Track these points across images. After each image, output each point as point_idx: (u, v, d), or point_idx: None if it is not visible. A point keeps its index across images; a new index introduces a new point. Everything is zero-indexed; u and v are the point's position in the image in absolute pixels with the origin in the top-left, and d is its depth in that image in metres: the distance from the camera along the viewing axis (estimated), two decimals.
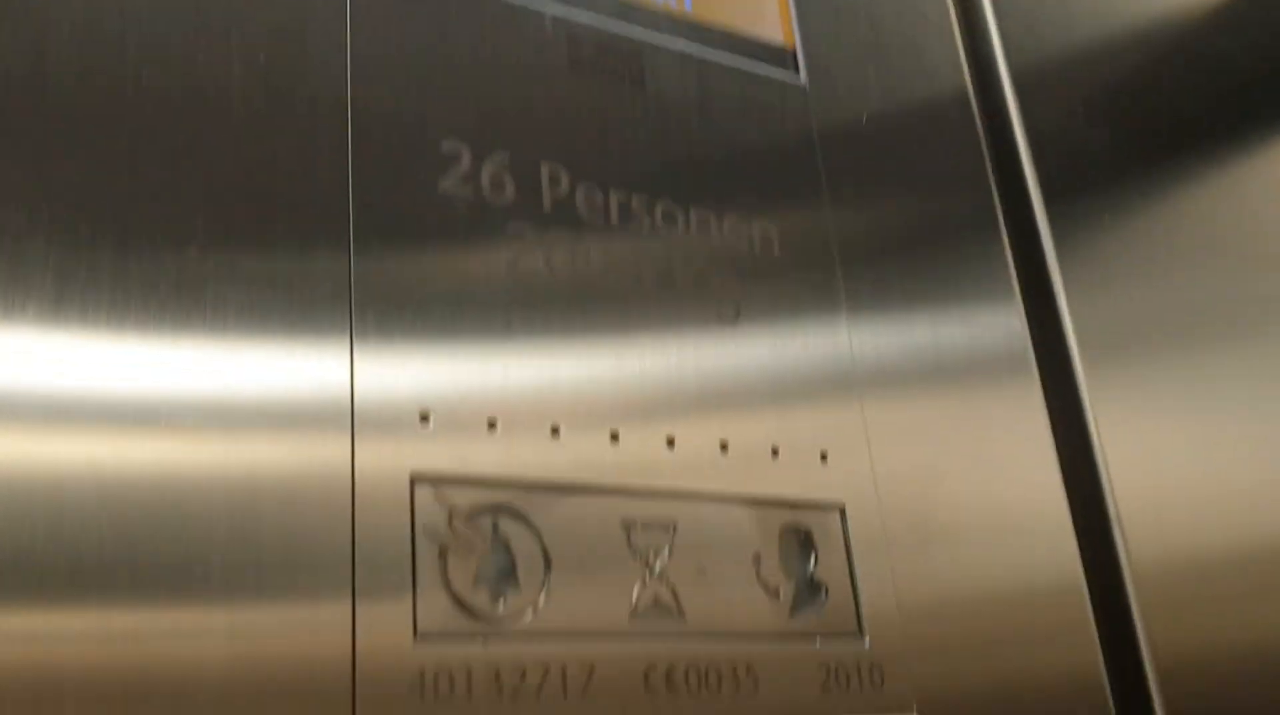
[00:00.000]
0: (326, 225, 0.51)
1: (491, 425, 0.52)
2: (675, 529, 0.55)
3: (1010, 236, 0.73)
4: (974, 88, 0.77)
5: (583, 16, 0.62)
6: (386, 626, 0.47)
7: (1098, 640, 0.64)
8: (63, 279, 0.46)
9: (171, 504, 0.45)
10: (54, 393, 0.44)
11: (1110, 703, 0.63)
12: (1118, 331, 0.74)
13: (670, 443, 0.56)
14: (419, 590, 0.48)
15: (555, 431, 0.54)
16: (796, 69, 0.69)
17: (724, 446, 0.58)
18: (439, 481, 0.51)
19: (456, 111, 0.56)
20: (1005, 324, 0.70)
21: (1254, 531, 0.73)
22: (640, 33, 0.64)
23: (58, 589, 0.41)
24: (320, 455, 0.48)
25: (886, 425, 0.63)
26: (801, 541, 0.58)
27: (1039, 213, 0.75)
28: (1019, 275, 0.72)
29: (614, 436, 0.55)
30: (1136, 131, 0.84)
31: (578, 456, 0.54)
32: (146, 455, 0.45)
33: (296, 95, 0.53)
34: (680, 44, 0.65)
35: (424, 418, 0.51)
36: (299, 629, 0.45)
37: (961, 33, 0.79)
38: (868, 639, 0.57)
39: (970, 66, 0.79)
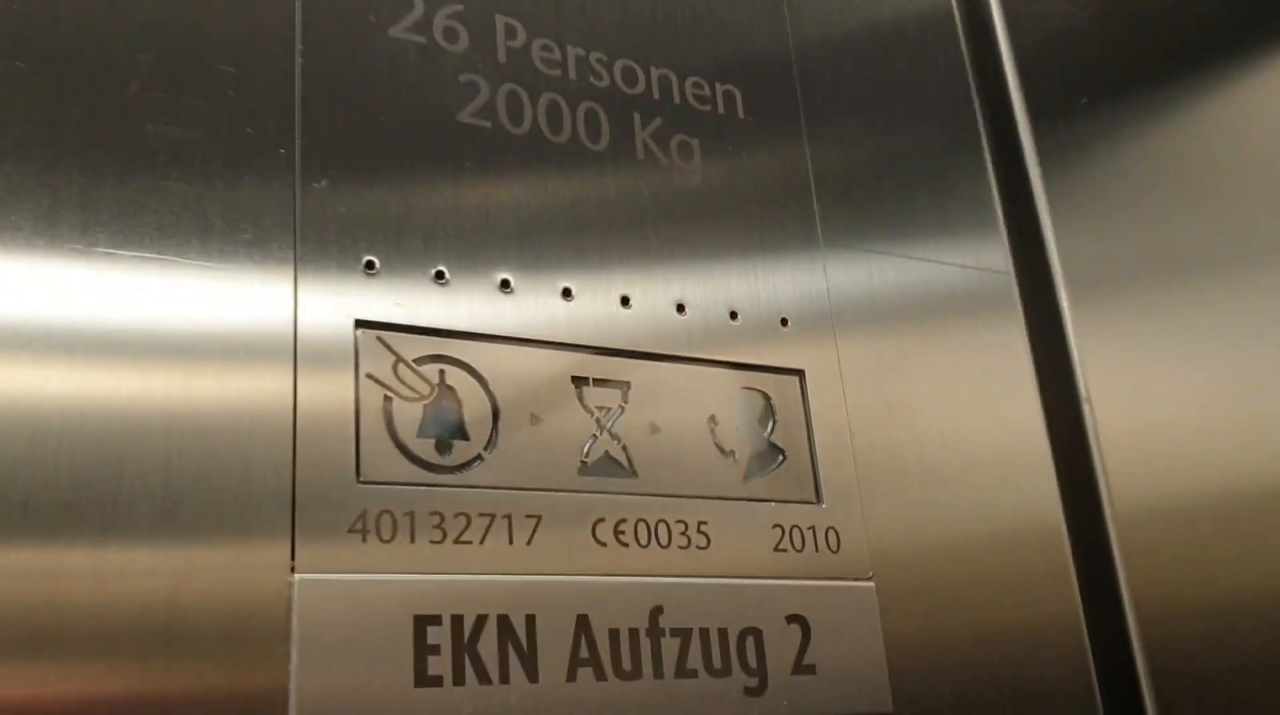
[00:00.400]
0: (271, 66, 0.49)
1: (440, 277, 0.51)
2: (629, 387, 0.54)
3: (995, 164, 0.71)
4: (959, 5, 0.75)
5: None
6: (328, 468, 0.46)
7: (1077, 583, 0.63)
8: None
9: (122, 345, 0.43)
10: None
11: (1085, 630, 0.62)
12: (1106, 267, 0.72)
13: (625, 302, 0.55)
14: (362, 437, 0.47)
15: (506, 285, 0.52)
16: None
17: (680, 308, 0.56)
18: (384, 329, 0.49)
19: None
20: (989, 258, 0.68)
21: (1239, 474, 0.71)
22: None
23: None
24: (262, 300, 0.47)
25: (852, 296, 0.61)
26: (759, 406, 0.56)
27: (1026, 141, 0.72)
28: (1003, 201, 0.70)
29: (566, 293, 0.54)
30: (1130, 54, 0.82)
31: (529, 312, 0.52)
32: (90, 317, 0.44)
33: None
34: None
35: (369, 267, 0.49)
36: (236, 467, 0.44)
37: None
38: (825, 505, 0.56)
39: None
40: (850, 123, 0.66)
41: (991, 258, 0.68)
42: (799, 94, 0.65)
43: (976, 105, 0.72)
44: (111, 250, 0.45)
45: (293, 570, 0.44)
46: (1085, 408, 0.67)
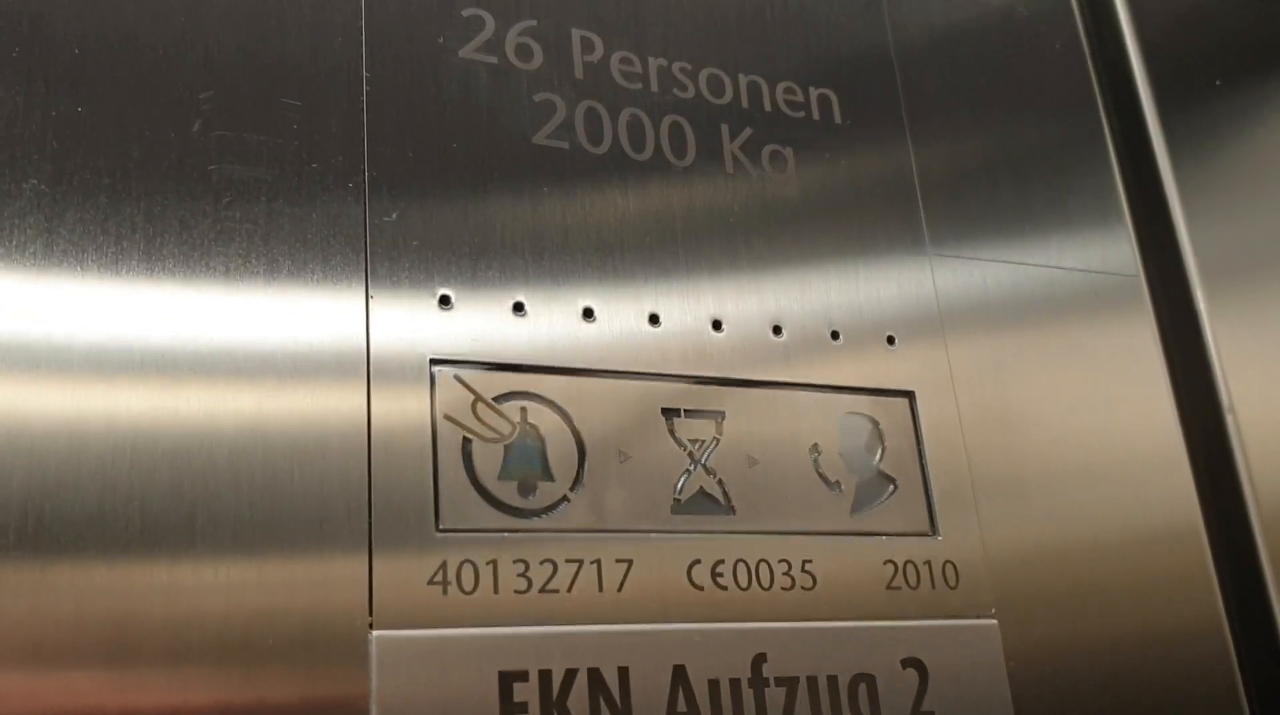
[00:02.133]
0: (337, 97, 0.47)
1: (518, 308, 0.48)
2: (723, 417, 0.50)
3: (1120, 157, 0.66)
4: (1082, 19, 0.70)
5: None
6: (405, 518, 0.43)
7: (1218, 587, 0.58)
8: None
9: (192, 389, 0.42)
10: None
11: (1230, 642, 0.57)
12: (1240, 256, 0.67)
13: (717, 326, 0.52)
14: (440, 481, 0.45)
15: (588, 314, 0.49)
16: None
17: (777, 329, 0.53)
18: (461, 366, 0.47)
19: None
20: (1115, 251, 0.63)
21: None
22: None
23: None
24: (333, 340, 0.45)
25: (964, 307, 0.57)
26: (866, 432, 0.53)
27: (1154, 130, 0.67)
28: (1130, 199, 0.65)
29: (654, 319, 0.51)
30: (1264, 29, 0.76)
31: (614, 341, 0.49)
32: (168, 356, 0.42)
33: None
34: None
35: (444, 301, 0.47)
36: (310, 517, 0.42)
37: None
38: (941, 537, 0.52)
39: None
40: (958, 119, 0.62)
41: (1118, 259, 0.63)
42: (900, 92, 0.60)
43: (1098, 93, 0.67)
44: (176, 293, 0.43)
45: (370, 627, 0.42)
46: (1226, 409, 0.62)
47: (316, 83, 0.48)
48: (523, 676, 0.43)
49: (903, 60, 0.61)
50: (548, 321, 0.49)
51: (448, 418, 0.46)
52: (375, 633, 0.42)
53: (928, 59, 0.62)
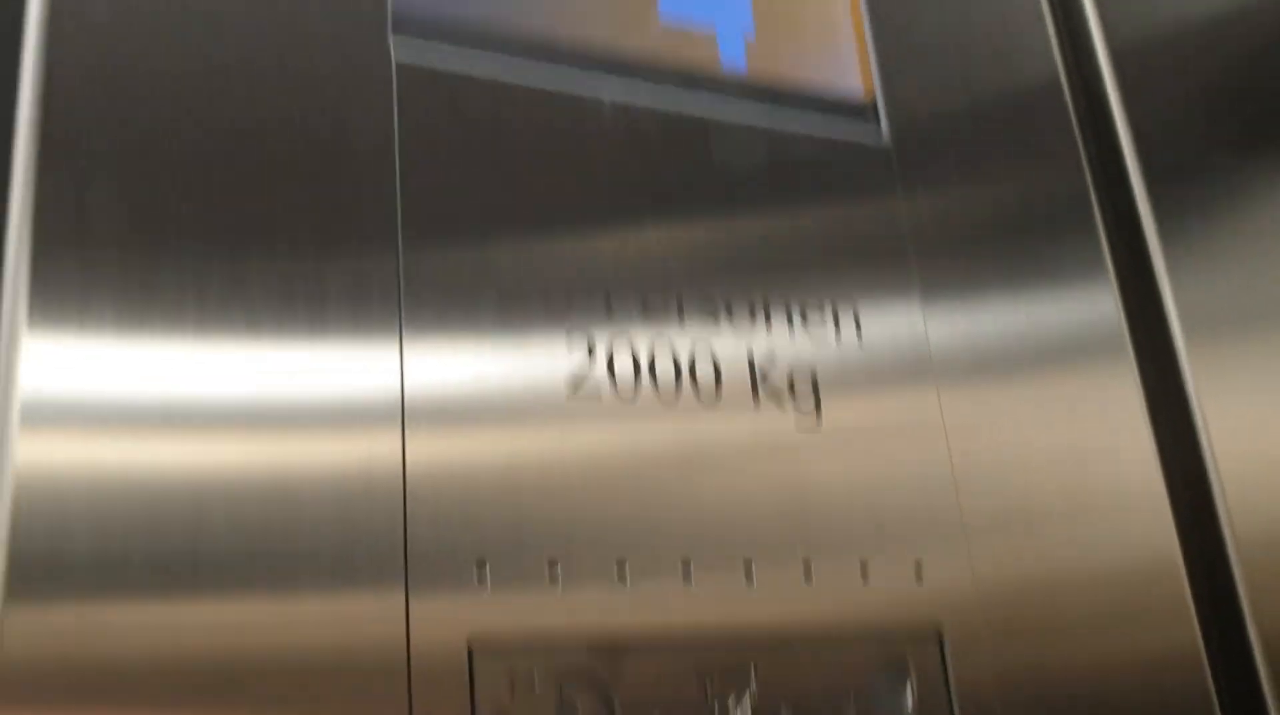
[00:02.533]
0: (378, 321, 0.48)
1: (552, 565, 0.49)
2: (755, 670, 0.51)
3: (1107, 223, 0.70)
4: (1068, 74, 0.72)
5: (642, 98, 0.57)
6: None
7: (1197, 622, 0.62)
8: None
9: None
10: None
11: (1208, 673, 0.61)
12: (1222, 311, 0.72)
13: (748, 571, 0.52)
14: None
15: (621, 567, 0.50)
16: (877, 122, 0.62)
17: (807, 569, 0.53)
18: (500, 645, 0.47)
19: (511, 212, 0.52)
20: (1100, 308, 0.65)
21: None
22: (705, 106, 0.58)
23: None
24: (375, 625, 0.45)
25: (989, 533, 0.58)
26: (898, 674, 0.53)
27: (1140, 198, 0.71)
28: (1116, 258, 0.69)
29: (685, 565, 0.51)
30: (1244, 108, 0.80)
31: (646, 600, 0.50)
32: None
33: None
34: (748, 112, 0.59)
35: (480, 565, 0.48)
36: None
37: (1056, 21, 0.74)
38: None
39: (1064, 53, 0.74)
40: (978, 341, 0.62)
41: (1103, 312, 0.64)
42: (919, 309, 0.60)
43: (1085, 161, 0.70)
44: None
45: None
46: (1206, 453, 0.67)
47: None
48: None
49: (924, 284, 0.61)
50: (580, 585, 0.49)
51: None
52: None
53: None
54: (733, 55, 0.60)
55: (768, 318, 0.56)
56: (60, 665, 0.40)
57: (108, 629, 0.41)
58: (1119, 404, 0.64)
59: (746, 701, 0.50)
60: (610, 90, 0.56)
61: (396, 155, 0.50)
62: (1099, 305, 0.66)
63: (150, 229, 0.45)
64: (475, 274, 0.50)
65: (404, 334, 0.48)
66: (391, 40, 0.52)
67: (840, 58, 0.63)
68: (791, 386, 0.55)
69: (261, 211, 0.47)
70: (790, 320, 0.56)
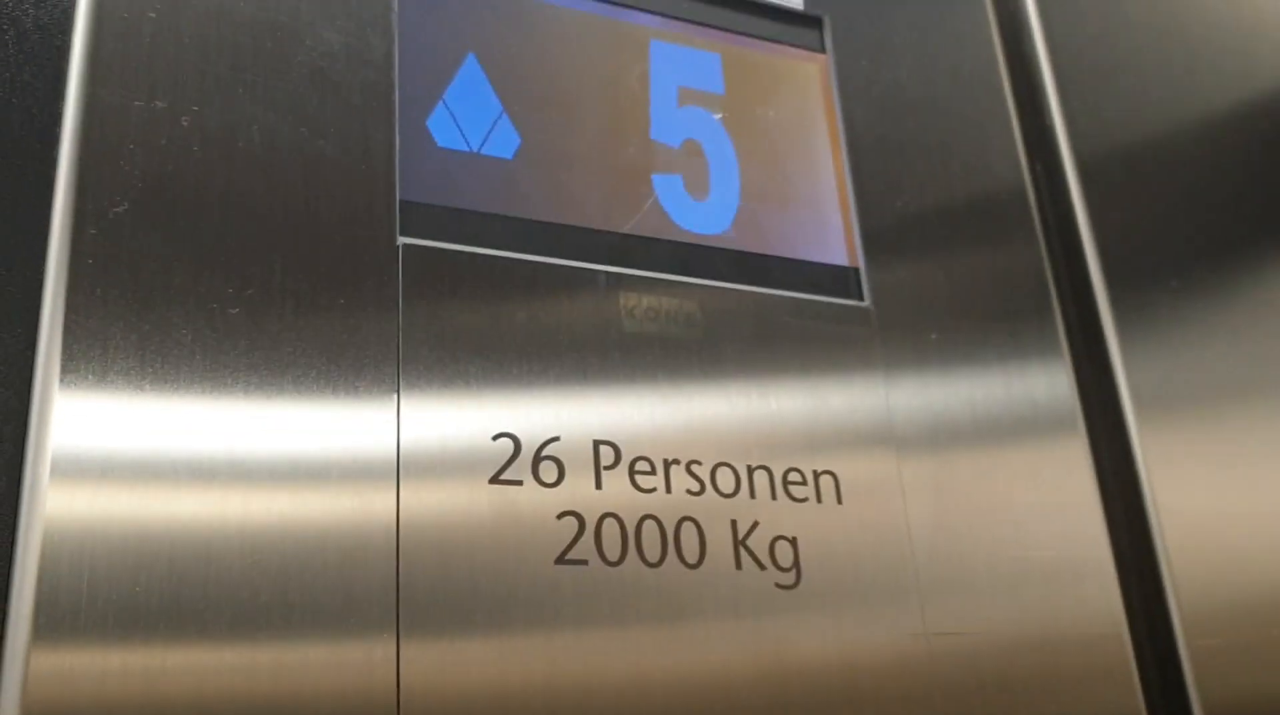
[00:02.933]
0: (373, 552, 0.46)
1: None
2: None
3: (1064, 306, 0.74)
4: (1032, 171, 0.76)
5: (642, 266, 0.59)
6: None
7: (1139, 688, 0.63)
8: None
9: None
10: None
11: None
12: (1172, 393, 0.75)
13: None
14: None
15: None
16: (861, 296, 0.65)
17: None
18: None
19: (508, 400, 0.52)
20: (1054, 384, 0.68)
21: None
22: (697, 284, 0.60)
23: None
24: None
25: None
26: None
27: (1097, 284, 0.75)
28: (1070, 339, 0.73)
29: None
30: (1197, 213, 0.85)
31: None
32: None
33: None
34: (740, 286, 0.62)
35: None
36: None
37: (1021, 119, 0.78)
38: None
39: (1030, 150, 0.78)
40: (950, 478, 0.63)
41: (1057, 390, 0.65)
42: (896, 469, 0.61)
43: (1044, 249, 0.73)
44: None
45: None
46: (1153, 524, 0.69)
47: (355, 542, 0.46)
48: None
49: (900, 447, 0.63)
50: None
51: None
52: None
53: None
54: (722, 224, 0.64)
55: (751, 481, 0.56)
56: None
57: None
58: (1071, 478, 0.66)
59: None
60: (608, 261, 0.58)
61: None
62: (1054, 384, 0.69)
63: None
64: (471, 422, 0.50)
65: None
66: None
67: (827, 228, 0.67)
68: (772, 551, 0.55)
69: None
70: (772, 483, 0.57)
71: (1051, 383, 0.69)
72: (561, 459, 0.52)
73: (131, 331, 0.45)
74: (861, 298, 0.64)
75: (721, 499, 0.56)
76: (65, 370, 0.43)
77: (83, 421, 0.43)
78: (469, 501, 0.49)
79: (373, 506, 0.46)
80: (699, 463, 0.56)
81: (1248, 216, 0.88)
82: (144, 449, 0.44)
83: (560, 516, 0.51)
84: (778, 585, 0.55)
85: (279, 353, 0.47)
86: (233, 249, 0.47)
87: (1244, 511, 0.74)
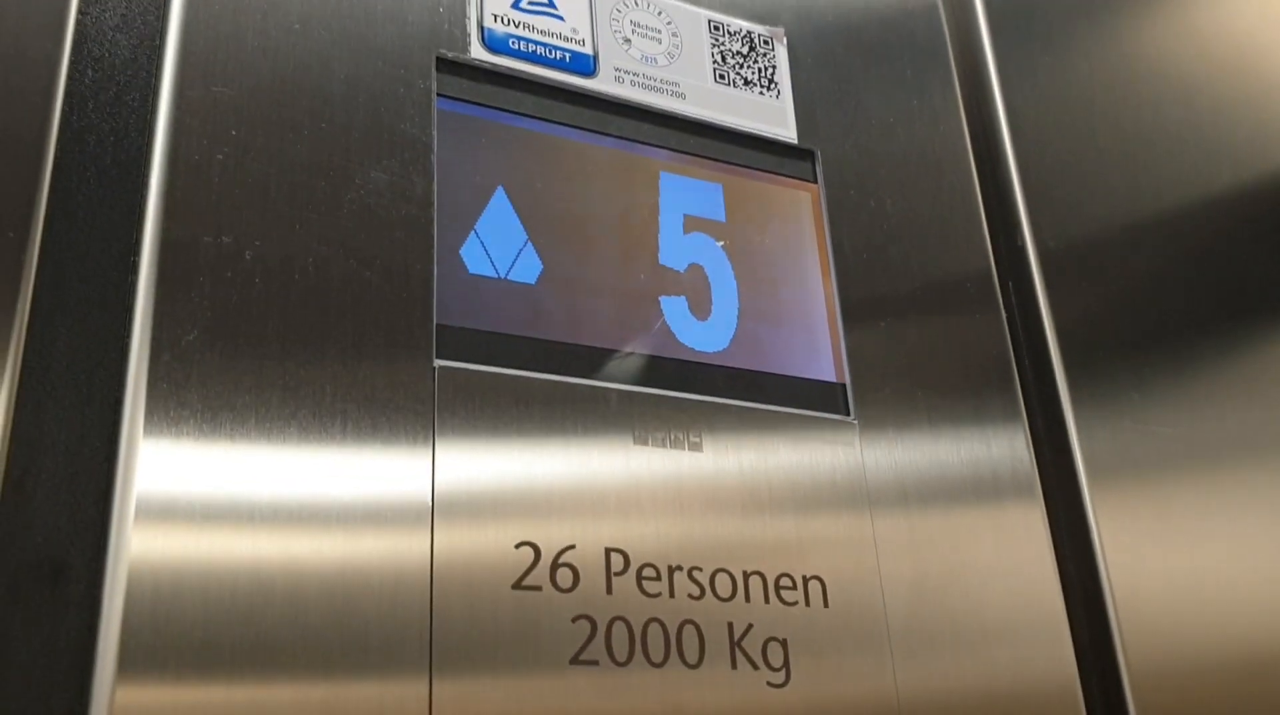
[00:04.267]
0: (409, 644, 0.50)
1: None
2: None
3: (1024, 381, 0.79)
4: (998, 266, 0.82)
5: (650, 383, 0.64)
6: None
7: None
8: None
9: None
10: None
11: None
12: (1124, 461, 0.81)
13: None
14: None
15: None
16: (847, 410, 0.70)
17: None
18: None
19: (529, 513, 0.57)
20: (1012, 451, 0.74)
21: (1255, 641, 0.79)
22: (698, 401, 0.65)
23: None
24: None
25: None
26: None
27: (1056, 364, 0.81)
28: (1029, 408, 0.79)
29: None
30: (1153, 289, 0.92)
31: None
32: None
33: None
34: (738, 402, 0.67)
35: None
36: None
37: (993, 241, 0.84)
38: None
39: (995, 240, 0.84)
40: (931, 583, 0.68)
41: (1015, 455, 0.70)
42: (881, 571, 0.66)
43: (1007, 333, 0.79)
44: None
45: None
46: (1105, 585, 0.74)
47: (392, 627, 0.50)
48: None
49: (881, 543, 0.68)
50: None
51: None
52: None
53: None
54: (722, 343, 0.69)
55: (746, 586, 0.61)
56: None
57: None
58: (1027, 537, 0.71)
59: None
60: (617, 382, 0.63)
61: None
62: (1012, 450, 0.74)
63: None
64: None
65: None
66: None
67: (817, 345, 0.72)
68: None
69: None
70: (765, 588, 0.61)
71: (1015, 466, 0.74)
72: (576, 565, 0.57)
73: (200, 451, 0.49)
74: (848, 413, 0.69)
75: (720, 603, 0.60)
76: (141, 487, 0.47)
77: (159, 531, 0.47)
78: (493, 608, 0.53)
79: (408, 614, 0.51)
80: (700, 569, 0.60)
81: (1201, 301, 0.94)
82: (213, 492, 0.49)
83: (575, 620, 0.55)
84: (769, 684, 0.59)
85: (328, 466, 0.51)
86: (290, 372, 0.52)
87: (1193, 582, 0.79)
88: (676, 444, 0.63)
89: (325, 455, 0.51)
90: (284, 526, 0.50)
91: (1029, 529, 0.73)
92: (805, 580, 0.64)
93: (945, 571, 0.68)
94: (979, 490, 0.72)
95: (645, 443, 0.62)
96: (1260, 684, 0.78)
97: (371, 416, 0.53)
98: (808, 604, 0.63)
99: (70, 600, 0.46)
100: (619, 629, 0.57)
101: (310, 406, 0.52)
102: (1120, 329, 0.88)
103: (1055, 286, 0.85)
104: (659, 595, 0.59)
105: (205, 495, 0.49)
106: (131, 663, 0.45)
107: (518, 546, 0.55)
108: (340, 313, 0.54)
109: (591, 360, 0.63)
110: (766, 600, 0.62)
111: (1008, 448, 0.75)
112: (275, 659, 0.47)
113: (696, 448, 0.63)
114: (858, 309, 0.74)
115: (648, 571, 0.59)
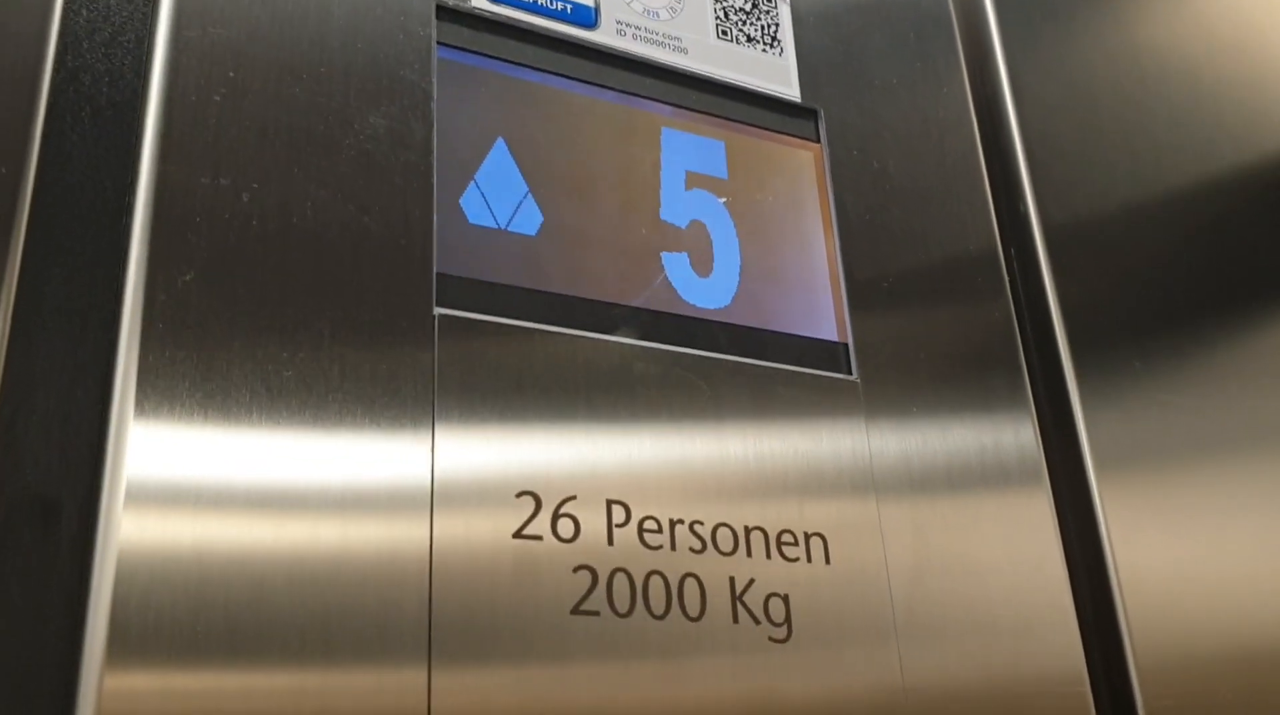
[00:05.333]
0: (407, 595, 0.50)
1: None
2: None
3: (1031, 369, 0.79)
4: (1004, 243, 0.81)
5: (651, 338, 0.63)
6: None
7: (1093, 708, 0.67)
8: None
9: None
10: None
11: None
12: (1132, 448, 0.80)
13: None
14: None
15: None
16: (849, 369, 0.70)
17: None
18: None
19: (529, 462, 0.56)
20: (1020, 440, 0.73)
21: (1262, 636, 0.78)
22: (700, 356, 0.65)
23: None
24: None
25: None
26: None
27: (1063, 350, 0.80)
28: (1036, 396, 0.77)
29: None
30: (1160, 275, 0.91)
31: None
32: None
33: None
34: (740, 358, 0.66)
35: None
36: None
37: (997, 206, 0.83)
38: None
39: (1001, 221, 0.83)
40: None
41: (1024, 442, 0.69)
42: (883, 539, 0.66)
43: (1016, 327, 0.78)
44: None
45: None
46: (1111, 574, 0.73)
47: (390, 572, 0.50)
48: None
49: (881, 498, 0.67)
50: None
51: None
52: None
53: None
54: (724, 300, 0.68)
55: (748, 541, 0.60)
56: None
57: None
58: (1034, 525, 0.71)
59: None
60: (621, 333, 0.63)
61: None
62: (1021, 437, 0.73)
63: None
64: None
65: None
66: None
67: (818, 304, 0.72)
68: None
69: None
70: (767, 544, 0.61)
71: (1020, 444, 0.74)
72: (577, 516, 0.56)
73: (195, 392, 0.49)
74: (850, 372, 0.68)
75: (721, 557, 0.60)
76: (137, 418, 0.47)
77: (153, 467, 0.47)
78: (493, 557, 0.53)
79: (408, 546, 0.50)
80: (701, 523, 0.60)
81: (1207, 286, 0.94)
82: (206, 492, 0.48)
83: (575, 571, 0.55)
84: (771, 639, 0.59)
85: (326, 412, 0.51)
86: (286, 316, 0.51)
87: (1202, 572, 0.78)
88: (678, 399, 0.62)
89: (323, 400, 0.51)
90: (281, 462, 0.49)
91: (1032, 500, 0.73)
92: (807, 537, 0.63)
93: (947, 526, 0.68)
94: (981, 445, 0.72)
95: (648, 397, 0.61)
96: (1267, 672, 0.78)
97: (371, 362, 0.53)
98: (809, 560, 0.63)
99: (62, 539, 0.45)
100: (620, 580, 0.56)
101: (308, 350, 0.51)
102: (1125, 303, 0.87)
103: (1058, 255, 0.85)
104: (660, 547, 0.58)
105: (200, 435, 0.48)
106: (124, 610, 0.44)
107: (518, 496, 0.55)
108: (339, 258, 0.54)
109: (593, 314, 0.62)
110: (768, 556, 0.61)
111: (1008, 406, 0.74)
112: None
113: (698, 403, 0.63)
114: (860, 269, 0.73)
115: (649, 524, 0.58)
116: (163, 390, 0.48)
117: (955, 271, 0.77)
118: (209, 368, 0.49)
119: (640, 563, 0.57)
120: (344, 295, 0.53)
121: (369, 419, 0.52)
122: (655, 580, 0.57)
